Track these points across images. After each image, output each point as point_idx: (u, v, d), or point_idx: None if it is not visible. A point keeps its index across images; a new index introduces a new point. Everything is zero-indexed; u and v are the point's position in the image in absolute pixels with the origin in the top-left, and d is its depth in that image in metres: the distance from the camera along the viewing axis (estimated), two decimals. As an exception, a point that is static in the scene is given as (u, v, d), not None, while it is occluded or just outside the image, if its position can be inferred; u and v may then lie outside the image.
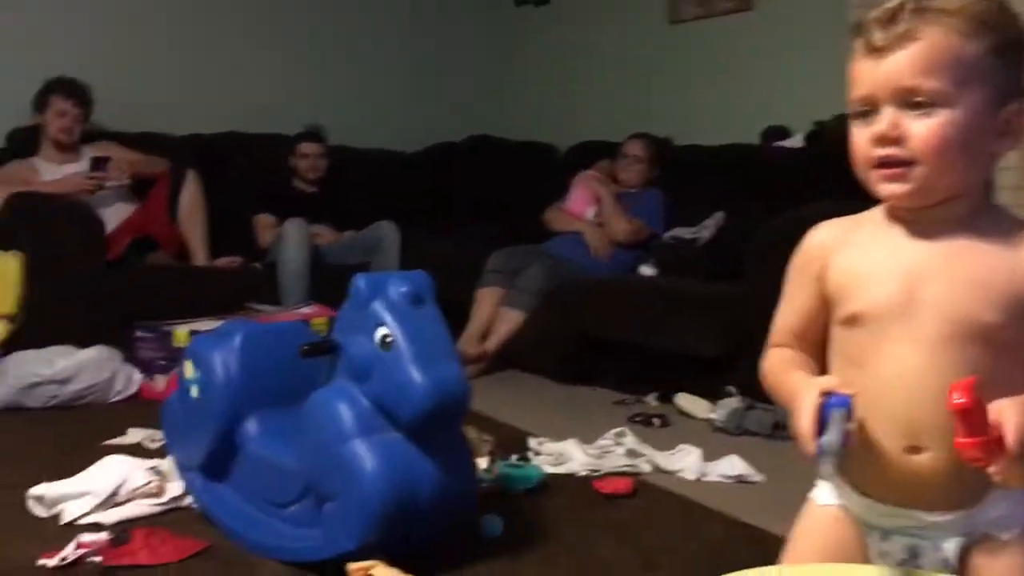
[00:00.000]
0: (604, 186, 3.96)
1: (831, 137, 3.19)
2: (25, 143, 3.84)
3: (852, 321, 1.00)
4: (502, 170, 4.77)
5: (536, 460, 2.29)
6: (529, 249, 3.83)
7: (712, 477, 2.25)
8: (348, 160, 4.43)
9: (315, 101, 4.68)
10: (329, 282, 3.57)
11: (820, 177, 3.02)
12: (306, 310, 3.37)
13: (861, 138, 0.97)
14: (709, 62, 4.25)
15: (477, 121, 5.08)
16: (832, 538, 1.04)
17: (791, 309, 1.09)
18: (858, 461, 0.98)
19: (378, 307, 1.62)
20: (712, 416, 2.76)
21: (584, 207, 3.99)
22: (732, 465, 2.26)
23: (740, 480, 2.22)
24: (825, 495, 1.06)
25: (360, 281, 1.65)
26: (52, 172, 3.74)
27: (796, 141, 3.64)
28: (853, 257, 1.02)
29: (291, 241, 3.75)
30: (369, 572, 1.49)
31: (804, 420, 0.93)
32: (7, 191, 3.49)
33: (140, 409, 2.82)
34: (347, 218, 4.15)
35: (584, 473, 2.24)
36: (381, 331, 1.59)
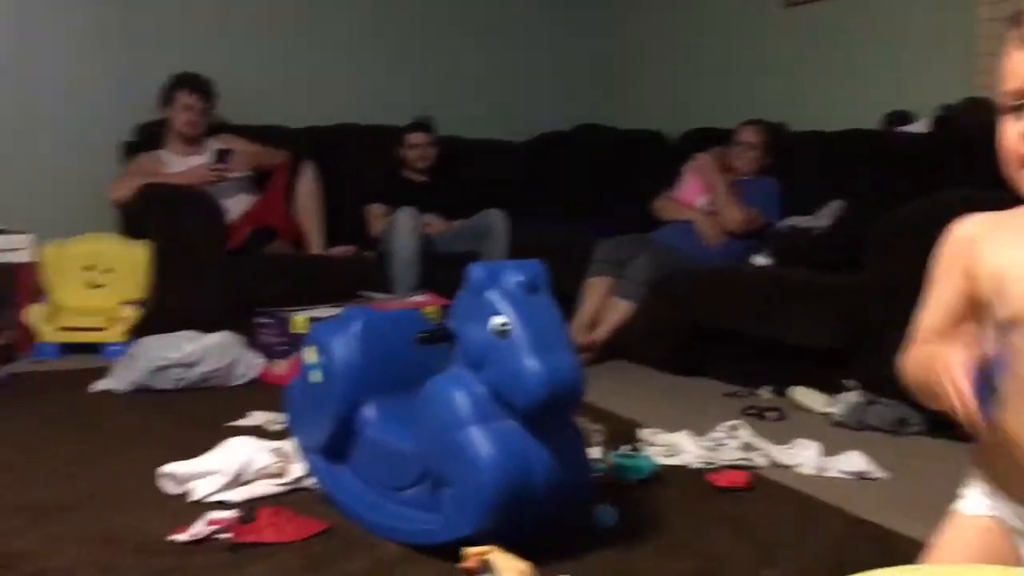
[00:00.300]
0: (717, 174, 3.89)
1: (962, 122, 3.04)
2: (152, 136, 4.02)
3: (1009, 325, 0.94)
4: (611, 159, 4.74)
5: (648, 451, 2.27)
6: (638, 238, 3.80)
7: (831, 473, 2.18)
8: (458, 150, 4.48)
9: (426, 93, 4.75)
10: (439, 270, 3.63)
11: (947, 164, 2.89)
12: (418, 298, 3.42)
13: (1012, 133, 0.92)
14: (826, 46, 4.12)
15: (586, 110, 5.05)
16: (982, 549, 0.99)
17: (937, 306, 1.03)
18: (1019, 470, 0.93)
19: (494, 295, 1.62)
20: (830, 410, 2.68)
21: (695, 195, 3.92)
22: (853, 461, 2.19)
23: (861, 476, 2.15)
24: (974, 505, 1.02)
25: (476, 270, 1.66)
26: (177, 164, 3.90)
27: (919, 126, 3.49)
28: (1002, 255, 0.96)
29: (402, 230, 3.80)
30: (485, 557, 1.51)
31: (959, 375, 0.88)
32: (139, 182, 3.66)
33: (261, 392, 2.92)
34: (457, 207, 4.19)
35: (697, 465, 2.21)
36: (496, 319, 1.60)
